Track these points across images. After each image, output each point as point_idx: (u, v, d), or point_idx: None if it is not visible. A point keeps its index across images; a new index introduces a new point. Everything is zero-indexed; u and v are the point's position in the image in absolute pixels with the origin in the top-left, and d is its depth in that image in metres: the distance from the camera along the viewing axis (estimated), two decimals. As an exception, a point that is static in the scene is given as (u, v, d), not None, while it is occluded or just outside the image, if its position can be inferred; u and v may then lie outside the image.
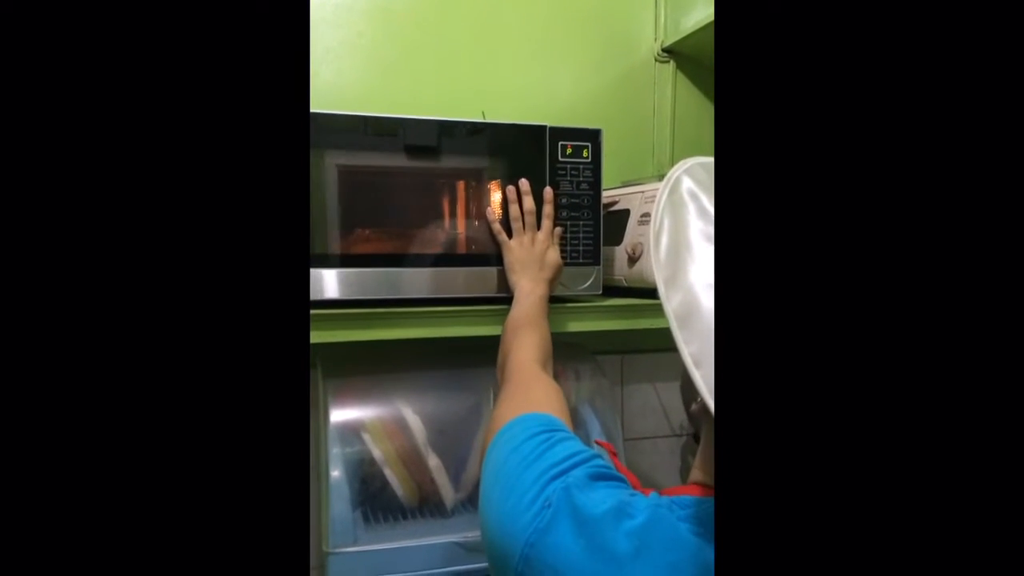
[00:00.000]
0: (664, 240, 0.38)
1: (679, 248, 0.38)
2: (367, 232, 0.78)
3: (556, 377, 0.93)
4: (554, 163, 0.83)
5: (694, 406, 0.46)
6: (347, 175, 0.76)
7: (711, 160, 0.43)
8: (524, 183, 0.82)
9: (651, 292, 0.90)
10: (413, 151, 0.78)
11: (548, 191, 0.82)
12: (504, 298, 0.82)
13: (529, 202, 0.81)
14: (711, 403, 0.34)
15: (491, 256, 0.82)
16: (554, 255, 0.81)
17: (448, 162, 0.80)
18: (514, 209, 0.81)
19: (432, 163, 0.79)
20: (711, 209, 0.38)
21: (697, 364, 0.35)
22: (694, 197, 0.40)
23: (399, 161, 0.78)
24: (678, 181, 0.41)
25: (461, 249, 0.81)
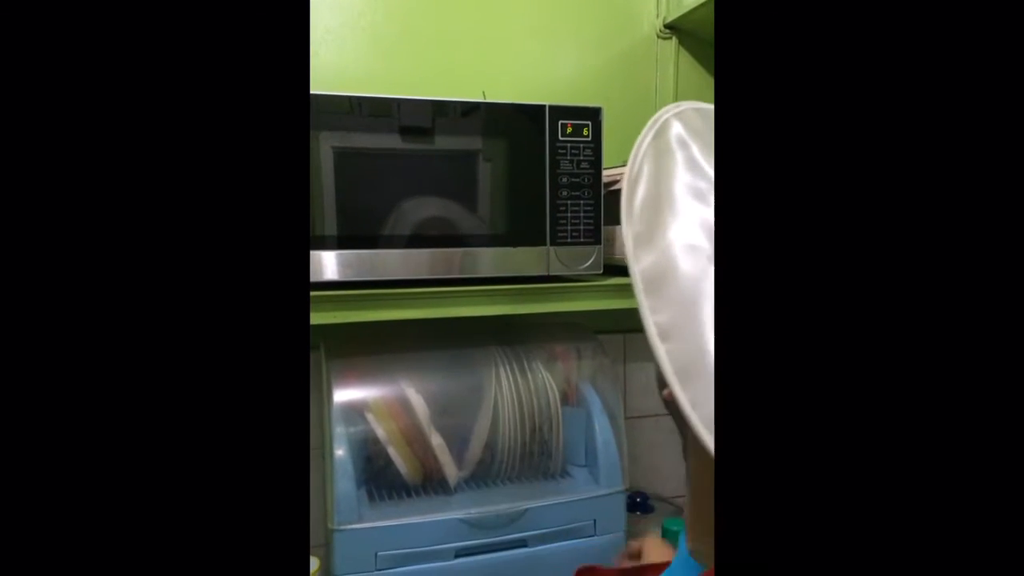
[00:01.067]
0: (641, 191, 0.34)
1: (659, 202, 0.33)
2: (363, 214, 0.78)
3: (557, 357, 0.94)
4: (554, 142, 0.83)
5: (666, 391, 0.37)
6: (343, 156, 0.76)
7: (709, 107, 0.37)
8: None
9: (652, 271, 0.90)
10: (408, 131, 0.78)
11: None
12: (499, 278, 0.82)
13: None
14: (676, 386, 0.29)
15: (487, 237, 0.82)
16: None
17: (445, 142, 0.80)
18: None
19: (428, 143, 0.79)
20: (703, 161, 0.33)
21: (663, 337, 0.30)
22: (683, 145, 0.34)
23: (394, 142, 0.78)
24: (666, 125, 0.35)
25: (457, 230, 0.81)
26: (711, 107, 0.37)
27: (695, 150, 0.34)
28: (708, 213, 0.32)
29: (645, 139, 0.36)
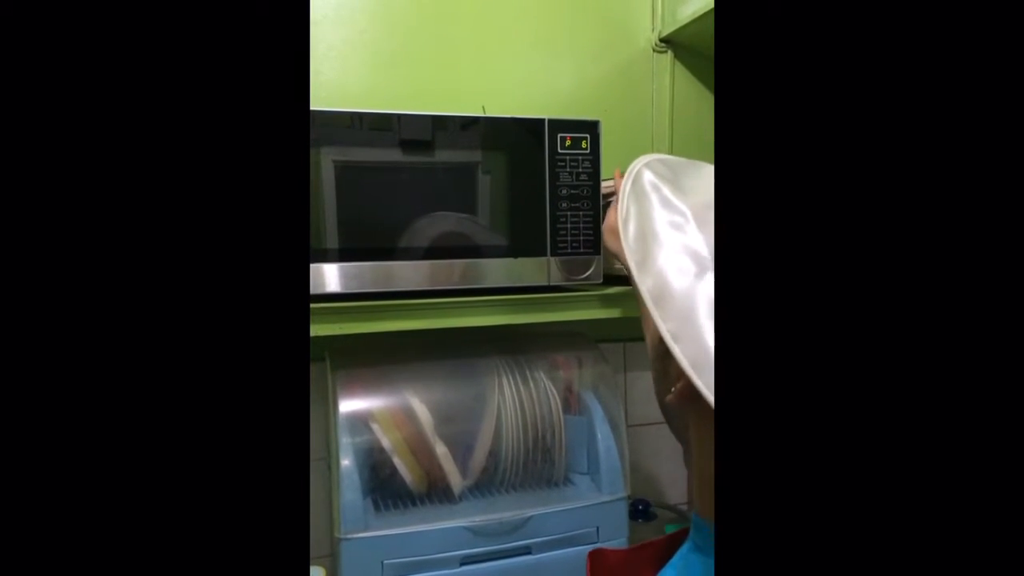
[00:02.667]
0: (631, 227, 0.41)
1: (646, 236, 0.40)
2: (365, 226, 0.80)
3: (559, 366, 0.95)
4: (553, 155, 0.84)
5: (669, 396, 0.44)
6: (344, 171, 0.78)
7: (669, 157, 0.45)
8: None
9: (651, 280, 0.92)
10: (409, 145, 0.80)
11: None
12: (501, 288, 0.84)
13: None
14: (694, 376, 0.35)
15: (488, 248, 0.84)
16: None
17: (445, 155, 0.82)
18: None
19: (428, 157, 0.81)
20: (673, 199, 0.41)
21: (675, 339, 0.36)
22: (656, 188, 0.41)
23: (395, 156, 0.80)
24: (639, 174, 0.43)
25: (459, 242, 0.83)
26: (671, 157, 0.45)
27: (666, 191, 0.41)
28: (686, 240, 0.39)
29: (626, 186, 0.43)
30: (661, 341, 0.45)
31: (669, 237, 0.39)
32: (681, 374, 0.41)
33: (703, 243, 0.38)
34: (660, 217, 0.40)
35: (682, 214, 0.39)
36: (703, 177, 0.44)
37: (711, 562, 0.42)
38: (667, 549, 0.52)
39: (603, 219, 0.87)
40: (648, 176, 0.43)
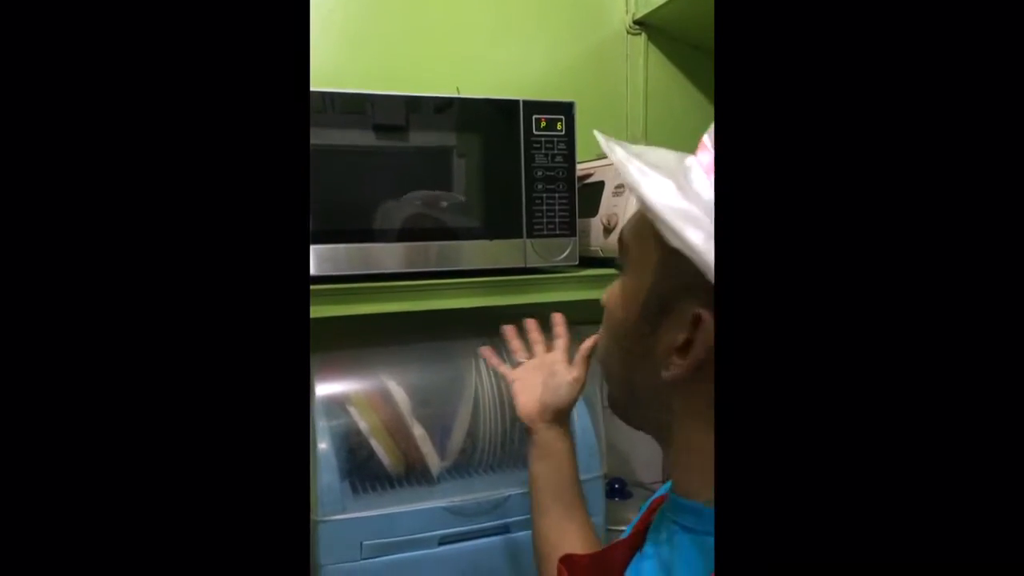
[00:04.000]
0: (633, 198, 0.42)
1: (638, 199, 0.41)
2: (340, 208, 0.79)
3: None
4: (528, 137, 0.84)
5: (671, 372, 0.43)
6: (317, 154, 0.77)
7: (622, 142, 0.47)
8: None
9: (626, 261, 0.93)
10: (382, 128, 0.79)
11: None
12: (477, 271, 0.84)
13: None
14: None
15: (464, 230, 0.84)
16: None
17: (419, 138, 0.81)
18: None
19: (402, 140, 0.81)
20: (647, 170, 0.43)
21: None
22: (629, 160, 0.43)
23: (369, 139, 0.79)
24: (612, 148, 0.45)
25: (434, 224, 0.83)
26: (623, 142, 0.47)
27: (638, 163, 0.43)
28: (676, 205, 0.40)
29: (615, 159, 0.44)
30: (641, 318, 0.46)
31: (658, 203, 0.40)
32: (691, 344, 0.42)
33: (691, 207, 0.39)
34: (645, 184, 0.41)
35: (662, 183, 0.41)
36: (662, 155, 0.45)
37: (709, 540, 0.42)
38: (633, 547, 0.52)
39: (579, 203, 0.88)
40: (619, 151, 0.44)
